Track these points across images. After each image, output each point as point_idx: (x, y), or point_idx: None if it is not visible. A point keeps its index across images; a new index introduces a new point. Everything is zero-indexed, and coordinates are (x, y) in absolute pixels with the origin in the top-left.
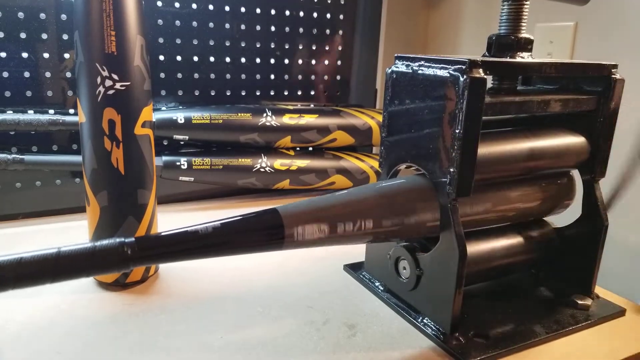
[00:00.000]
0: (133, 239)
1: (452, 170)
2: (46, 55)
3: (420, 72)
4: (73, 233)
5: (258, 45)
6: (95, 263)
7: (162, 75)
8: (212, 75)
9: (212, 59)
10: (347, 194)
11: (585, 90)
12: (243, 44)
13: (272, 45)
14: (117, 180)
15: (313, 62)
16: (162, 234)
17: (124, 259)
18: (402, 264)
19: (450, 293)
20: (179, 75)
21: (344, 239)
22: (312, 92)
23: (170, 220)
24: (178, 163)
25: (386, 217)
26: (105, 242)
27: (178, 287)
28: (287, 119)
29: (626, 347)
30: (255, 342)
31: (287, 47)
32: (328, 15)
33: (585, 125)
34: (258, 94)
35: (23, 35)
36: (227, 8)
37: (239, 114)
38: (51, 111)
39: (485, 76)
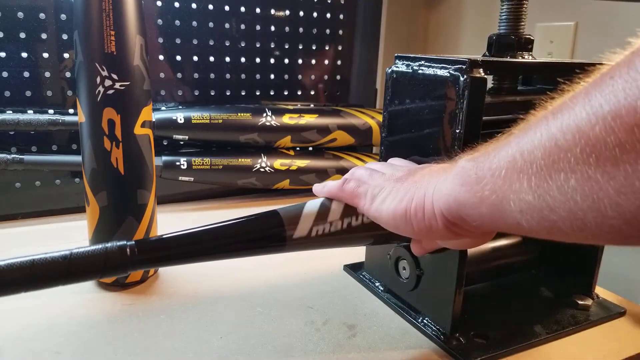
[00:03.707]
0: (133, 242)
1: None
2: (46, 55)
3: (420, 71)
4: (73, 233)
5: (258, 45)
6: (107, 266)
7: (162, 75)
8: (212, 75)
9: (212, 58)
10: None
11: None
12: (243, 44)
13: (272, 45)
14: (116, 180)
15: (313, 62)
16: (163, 236)
17: (129, 262)
18: (402, 264)
19: (450, 293)
20: (179, 75)
21: (345, 242)
22: (312, 92)
23: (170, 220)
24: (178, 163)
25: None
26: (110, 244)
27: (178, 288)
28: (287, 119)
29: (626, 348)
30: (255, 342)
31: (287, 47)
32: (328, 15)
33: None
34: (258, 94)
35: (23, 35)
36: (227, 8)
37: (239, 114)
38: (51, 111)
39: (485, 76)
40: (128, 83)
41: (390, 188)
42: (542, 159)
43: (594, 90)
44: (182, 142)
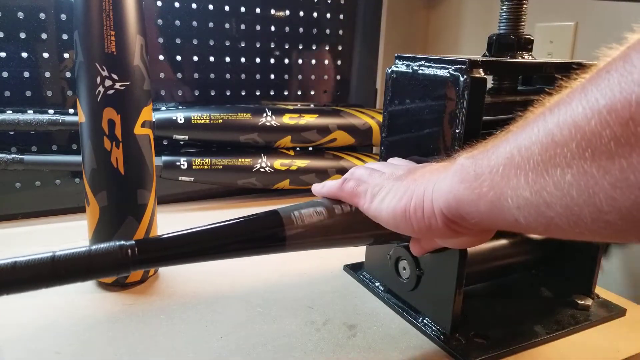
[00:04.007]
0: (133, 241)
1: None
2: (46, 55)
3: (420, 72)
4: (73, 233)
5: (258, 45)
6: (93, 267)
7: (162, 75)
8: (212, 75)
9: (212, 58)
10: None
11: None
12: (243, 44)
13: (272, 45)
14: (116, 180)
15: (313, 62)
16: (163, 236)
17: (124, 263)
18: (402, 264)
19: (451, 293)
20: (179, 75)
21: (345, 242)
22: (312, 92)
23: (170, 220)
24: (178, 163)
25: None
26: (103, 245)
27: (178, 288)
28: (287, 119)
29: (626, 348)
30: (255, 342)
31: (287, 47)
32: (328, 15)
33: None
34: (258, 94)
35: (23, 35)
36: (227, 8)
37: (239, 114)
38: (51, 111)
39: (485, 76)
40: (128, 83)
41: (389, 187)
42: (539, 155)
43: (591, 85)
44: (182, 142)
